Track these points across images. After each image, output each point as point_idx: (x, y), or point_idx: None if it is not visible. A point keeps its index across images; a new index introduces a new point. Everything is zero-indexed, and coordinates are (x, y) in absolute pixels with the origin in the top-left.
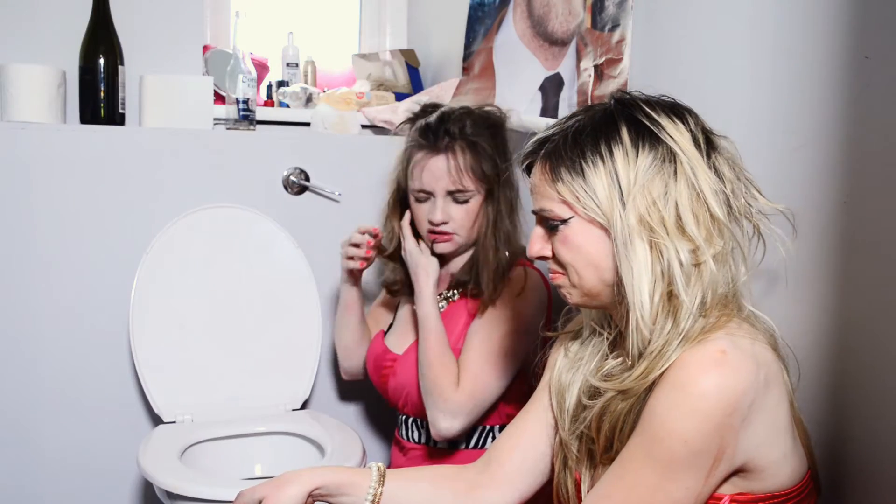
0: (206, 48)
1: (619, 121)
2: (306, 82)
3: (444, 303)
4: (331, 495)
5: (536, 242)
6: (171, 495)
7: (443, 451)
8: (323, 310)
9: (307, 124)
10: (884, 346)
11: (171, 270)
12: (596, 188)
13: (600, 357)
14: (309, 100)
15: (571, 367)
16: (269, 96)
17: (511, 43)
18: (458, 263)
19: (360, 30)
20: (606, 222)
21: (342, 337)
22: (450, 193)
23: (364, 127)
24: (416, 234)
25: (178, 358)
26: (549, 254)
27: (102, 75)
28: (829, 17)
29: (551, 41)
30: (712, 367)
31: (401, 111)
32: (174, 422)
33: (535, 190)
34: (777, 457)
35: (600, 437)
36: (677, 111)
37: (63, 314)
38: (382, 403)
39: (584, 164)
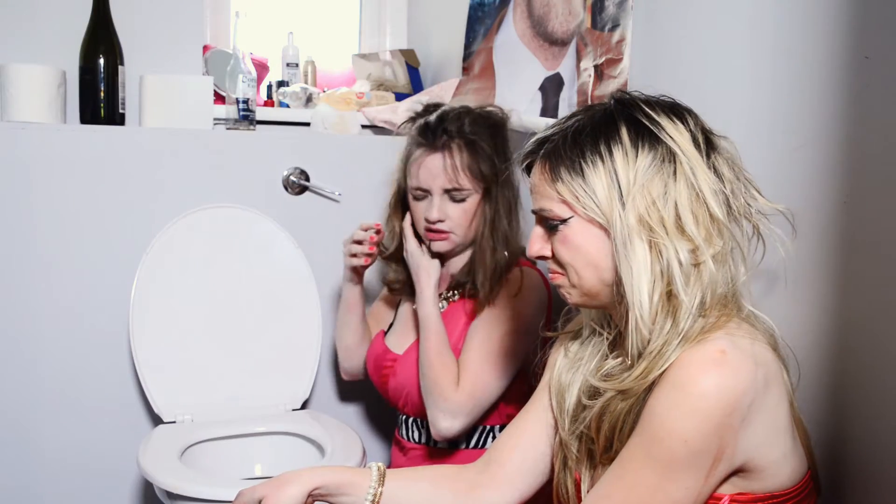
0: (206, 48)
1: (618, 121)
2: (306, 82)
3: (444, 303)
4: (331, 495)
5: (536, 242)
6: (171, 495)
7: (443, 451)
8: (323, 310)
9: (307, 124)
10: (884, 346)
11: (171, 270)
12: (595, 188)
13: (600, 357)
14: (309, 100)
15: (571, 367)
16: (269, 96)
17: (511, 43)
18: (457, 264)
19: (360, 30)
20: (606, 222)
21: (343, 337)
22: (447, 192)
23: (364, 127)
24: (419, 236)
25: (178, 358)
26: (548, 253)
27: (102, 75)
28: (829, 17)
29: (551, 41)
30: (712, 366)
31: (401, 111)
32: (174, 422)
33: (534, 190)
34: (777, 457)
35: (600, 437)
36: (677, 111)
37: (63, 314)
38: (382, 403)
39: (583, 164)
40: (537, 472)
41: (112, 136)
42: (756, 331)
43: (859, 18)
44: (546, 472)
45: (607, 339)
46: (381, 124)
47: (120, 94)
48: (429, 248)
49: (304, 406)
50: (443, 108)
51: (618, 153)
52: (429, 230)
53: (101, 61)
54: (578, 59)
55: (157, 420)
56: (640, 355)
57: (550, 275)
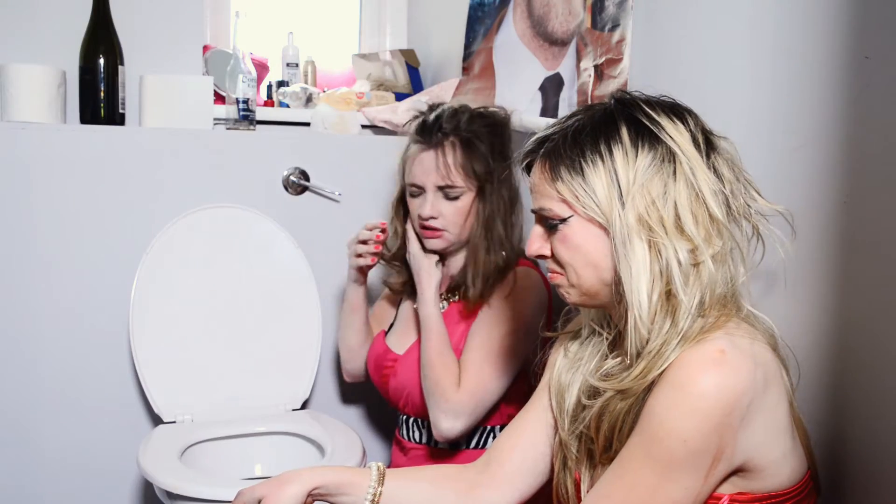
0: (206, 48)
1: (618, 120)
2: (306, 82)
3: (444, 304)
4: (330, 495)
5: (535, 241)
6: (171, 495)
7: (444, 451)
8: (323, 310)
9: (307, 124)
10: (884, 346)
11: (171, 270)
12: (595, 187)
13: (600, 357)
14: (309, 100)
15: (571, 367)
16: (269, 96)
17: (511, 43)
18: (456, 264)
19: (360, 30)
20: (605, 221)
21: (347, 338)
22: (440, 189)
23: (364, 127)
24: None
25: (178, 358)
26: (547, 253)
27: (102, 75)
28: (829, 17)
29: (551, 41)
30: (711, 366)
31: (401, 111)
32: (174, 422)
33: (534, 189)
34: (776, 456)
35: (599, 437)
36: (677, 111)
37: (63, 314)
38: (383, 403)
39: (583, 164)
40: (537, 472)
41: (112, 136)
42: (755, 331)
43: (859, 18)
44: (546, 472)
45: (607, 339)
46: (381, 124)
47: (120, 94)
48: (423, 246)
49: (304, 406)
50: (443, 106)
51: (618, 153)
52: (423, 227)
53: (101, 61)
54: (578, 59)
55: (157, 420)
56: (638, 355)
57: (550, 274)
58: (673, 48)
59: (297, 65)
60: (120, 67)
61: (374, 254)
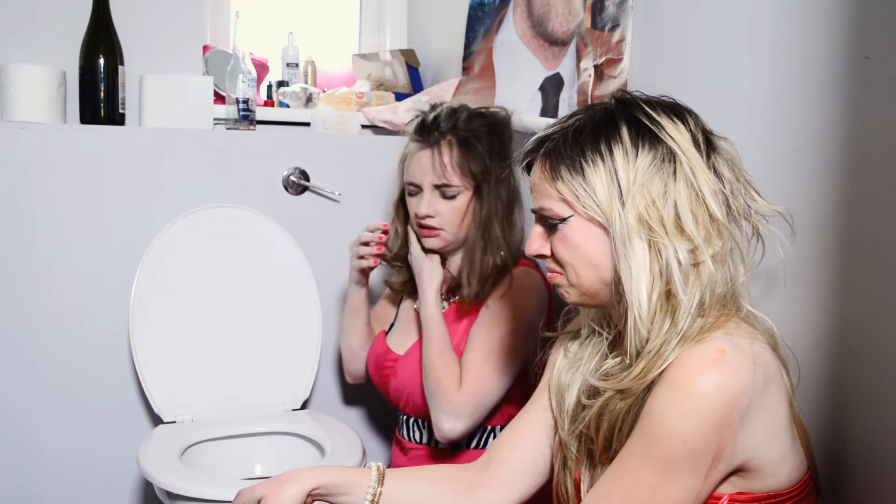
0: (206, 48)
1: (619, 120)
2: (306, 82)
3: (444, 304)
4: (330, 495)
5: (535, 241)
6: (171, 495)
7: (444, 451)
8: (323, 310)
9: (307, 124)
10: (884, 346)
11: (171, 270)
12: (595, 187)
13: (600, 357)
14: (309, 100)
15: (571, 367)
16: (269, 96)
17: (511, 43)
18: (456, 264)
19: (360, 30)
20: (605, 221)
21: (349, 339)
22: (437, 188)
23: (364, 127)
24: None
25: (178, 358)
26: (547, 252)
27: (102, 75)
28: (829, 17)
29: (551, 41)
30: (711, 366)
31: (401, 111)
32: (174, 422)
33: (534, 188)
34: (776, 456)
35: (599, 437)
36: (677, 111)
37: (63, 314)
38: (383, 403)
39: (583, 163)
40: (537, 471)
41: (112, 136)
42: (755, 330)
43: (859, 18)
44: (546, 472)
45: (607, 338)
46: (381, 124)
47: (120, 94)
48: (421, 245)
49: (304, 406)
50: (443, 105)
51: (618, 152)
52: (420, 226)
53: (101, 61)
54: (578, 59)
55: (157, 420)
56: (638, 355)
57: (549, 274)
58: (673, 48)
59: (297, 65)
60: (120, 67)
61: (376, 255)
